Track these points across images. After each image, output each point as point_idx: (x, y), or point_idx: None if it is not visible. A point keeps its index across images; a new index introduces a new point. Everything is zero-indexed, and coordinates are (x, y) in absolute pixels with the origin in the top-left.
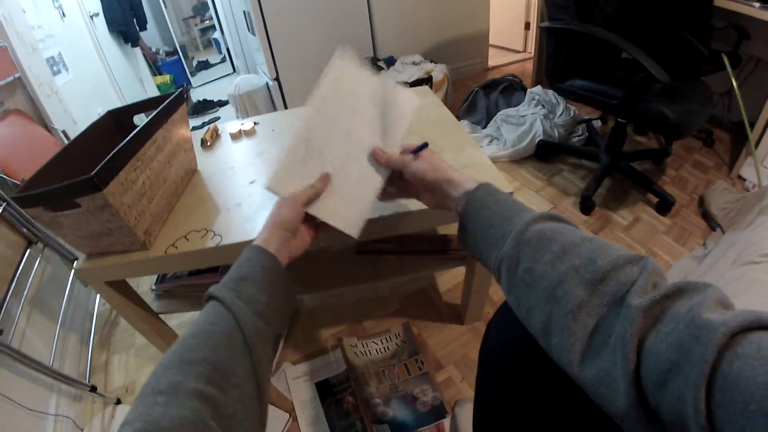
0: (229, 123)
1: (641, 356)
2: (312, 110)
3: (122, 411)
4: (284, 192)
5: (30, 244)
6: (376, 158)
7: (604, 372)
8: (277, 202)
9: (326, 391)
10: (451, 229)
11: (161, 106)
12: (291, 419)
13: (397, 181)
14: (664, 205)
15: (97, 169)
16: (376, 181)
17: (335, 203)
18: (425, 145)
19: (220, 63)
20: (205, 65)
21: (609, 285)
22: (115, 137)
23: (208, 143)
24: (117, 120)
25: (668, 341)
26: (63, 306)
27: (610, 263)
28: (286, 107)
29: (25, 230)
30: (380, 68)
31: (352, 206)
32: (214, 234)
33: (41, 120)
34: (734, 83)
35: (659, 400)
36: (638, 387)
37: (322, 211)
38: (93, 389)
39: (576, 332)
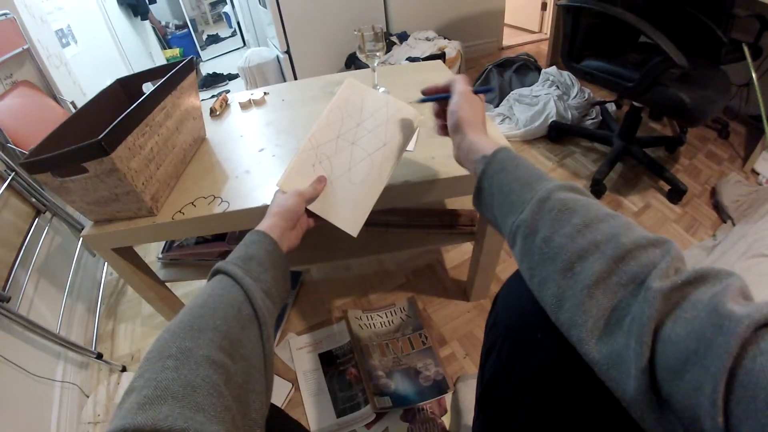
0: (238, 93)
1: (657, 341)
2: (324, 123)
3: (128, 378)
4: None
5: (38, 213)
6: (426, 90)
7: (615, 353)
8: (281, 194)
9: (329, 362)
10: (459, 203)
11: (171, 73)
12: (293, 389)
13: (443, 121)
14: (676, 193)
15: (104, 132)
16: (376, 186)
17: (336, 203)
18: (488, 89)
19: (230, 37)
20: (215, 39)
21: (630, 265)
22: (123, 105)
23: (217, 112)
24: (125, 88)
25: (688, 328)
26: (70, 275)
27: (633, 242)
28: (296, 80)
29: (33, 200)
30: (392, 43)
31: (353, 207)
32: (222, 200)
33: (50, 91)
34: (754, 75)
35: (673, 389)
36: (651, 373)
37: (323, 209)
38: (99, 356)
39: (590, 309)
